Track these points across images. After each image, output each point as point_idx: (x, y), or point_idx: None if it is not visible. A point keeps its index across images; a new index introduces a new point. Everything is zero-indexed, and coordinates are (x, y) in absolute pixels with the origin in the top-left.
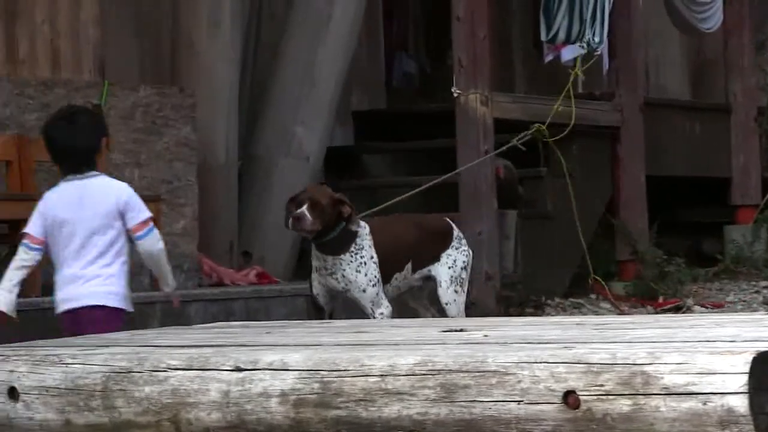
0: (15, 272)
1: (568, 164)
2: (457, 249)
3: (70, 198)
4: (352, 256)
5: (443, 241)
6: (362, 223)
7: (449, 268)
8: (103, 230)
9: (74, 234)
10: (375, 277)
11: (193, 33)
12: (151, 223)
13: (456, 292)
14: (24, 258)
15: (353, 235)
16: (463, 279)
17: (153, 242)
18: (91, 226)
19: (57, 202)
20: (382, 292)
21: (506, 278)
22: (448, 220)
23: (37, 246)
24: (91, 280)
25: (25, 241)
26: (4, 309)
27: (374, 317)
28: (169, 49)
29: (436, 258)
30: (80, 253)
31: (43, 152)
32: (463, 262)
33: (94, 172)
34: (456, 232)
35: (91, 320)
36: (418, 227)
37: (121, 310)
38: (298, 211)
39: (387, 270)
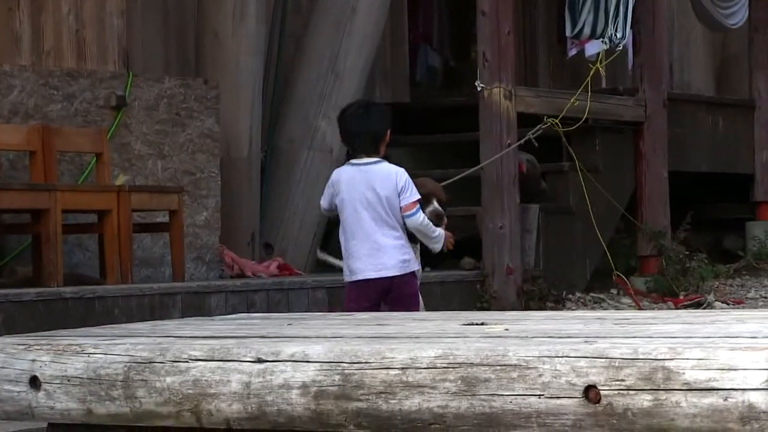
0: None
1: (592, 159)
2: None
3: (357, 180)
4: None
5: None
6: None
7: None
8: (389, 208)
9: (362, 211)
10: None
11: (219, 25)
12: (418, 205)
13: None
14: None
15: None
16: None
17: (418, 220)
18: (380, 205)
19: (345, 183)
20: None
21: (527, 272)
22: None
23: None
24: (388, 252)
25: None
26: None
27: None
28: (194, 41)
29: None
30: (374, 229)
31: (67, 143)
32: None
33: (377, 159)
34: None
35: (390, 287)
36: None
37: (413, 272)
38: (438, 207)
39: None
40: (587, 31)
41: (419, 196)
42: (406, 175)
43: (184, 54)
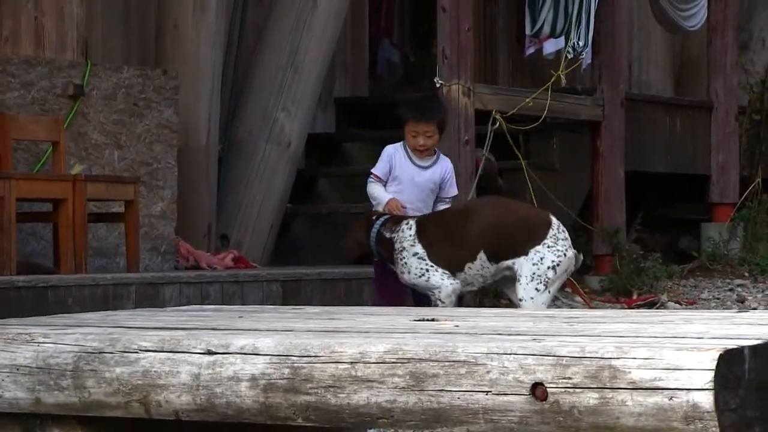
0: None
1: (548, 157)
2: (549, 247)
3: None
4: (397, 258)
5: (536, 236)
6: (399, 227)
7: (533, 264)
8: None
9: None
10: (420, 269)
11: (179, 16)
12: (372, 177)
13: (537, 290)
14: None
15: (390, 242)
16: (549, 279)
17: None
18: None
19: None
20: (437, 276)
21: None
22: (550, 216)
23: None
24: None
25: None
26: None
27: (436, 304)
28: (154, 31)
29: (523, 251)
30: None
31: (23, 131)
32: (552, 261)
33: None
34: (554, 230)
35: None
36: (510, 216)
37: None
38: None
39: (455, 260)
40: (547, 29)
41: (373, 168)
42: (386, 149)
43: (143, 44)
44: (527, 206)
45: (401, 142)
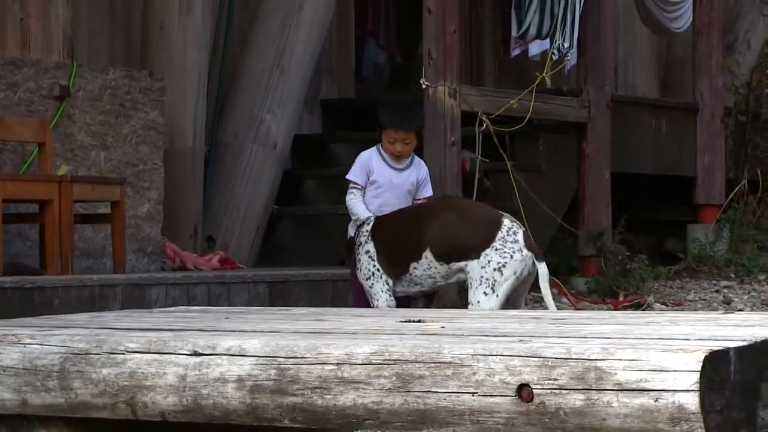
0: None
1: (534, 159)
2: (496, 250)
3: None
4: (353, 253)
5: (486, 238)
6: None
7: (482, 267)
8: None
9: None
10: (369, 270)
11: (165, 17)
12: (351, 186)
13: (485, 294)
14: None
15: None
16: (495, 281)
17: (347, 196)
18: None
19: None
20: (378, 286)
21: None
22: (502, 218)
23: None
24: None
25: None
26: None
27: None
28: (140, 32)
29: (475, 254)
30: None
31: (9, 132)
32: (498, 263)
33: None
34: (502, 233)
35: None
36: (460, 216)
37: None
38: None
39: (400, 259)
40: (533, 31)
41: (352, 177)
42: (360, 156)
43: (129, 45)
44: (482, 207)
45: (375, 147)
